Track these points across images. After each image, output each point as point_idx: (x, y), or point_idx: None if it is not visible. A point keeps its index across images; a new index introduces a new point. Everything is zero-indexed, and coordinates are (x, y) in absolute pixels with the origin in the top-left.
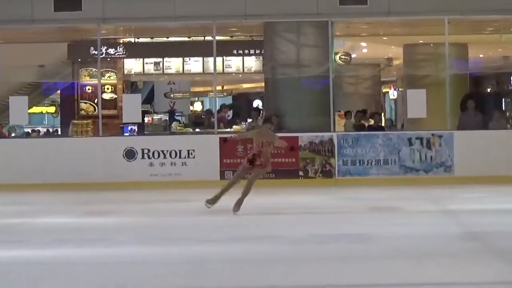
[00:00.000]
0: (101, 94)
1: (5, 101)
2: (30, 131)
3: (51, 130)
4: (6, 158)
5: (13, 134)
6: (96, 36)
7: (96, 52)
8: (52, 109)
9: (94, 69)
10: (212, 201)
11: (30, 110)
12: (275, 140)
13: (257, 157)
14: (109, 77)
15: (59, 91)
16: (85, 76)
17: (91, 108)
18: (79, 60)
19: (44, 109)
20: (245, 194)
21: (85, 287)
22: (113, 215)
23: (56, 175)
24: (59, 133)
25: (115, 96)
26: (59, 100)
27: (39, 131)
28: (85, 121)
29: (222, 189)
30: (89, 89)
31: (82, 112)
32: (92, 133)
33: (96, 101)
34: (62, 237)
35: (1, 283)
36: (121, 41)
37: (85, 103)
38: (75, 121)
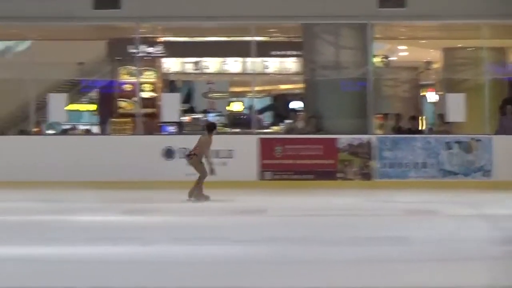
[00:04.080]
0: (140, 92)
1: (43, 98)
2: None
3: (91, 128)
4: (44, 155)
5: (51, 132)
6: (135, 35)
7: (134, 51)
8: (93, 107)
9: (133, 68)
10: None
11: (68, 108)
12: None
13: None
14: (148, 75)
15: (97, 89)
16: (123, 74)
17: (130, 107)
18: (118, 58)
19: (82, 107)
20: None
21: (119, 286)
22: (149, 214)
23: (93, 173)
24: (94, 131)
25: (154, 94)
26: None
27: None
28: (123, 120)
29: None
30: (128, 87)
31: (121, 110)
32: (130, 132)
33: (134, 99)
34: (97, 235)
35: (32, 280)
36: (160, 40)
37: (124, 101)
38: (113, 119)
